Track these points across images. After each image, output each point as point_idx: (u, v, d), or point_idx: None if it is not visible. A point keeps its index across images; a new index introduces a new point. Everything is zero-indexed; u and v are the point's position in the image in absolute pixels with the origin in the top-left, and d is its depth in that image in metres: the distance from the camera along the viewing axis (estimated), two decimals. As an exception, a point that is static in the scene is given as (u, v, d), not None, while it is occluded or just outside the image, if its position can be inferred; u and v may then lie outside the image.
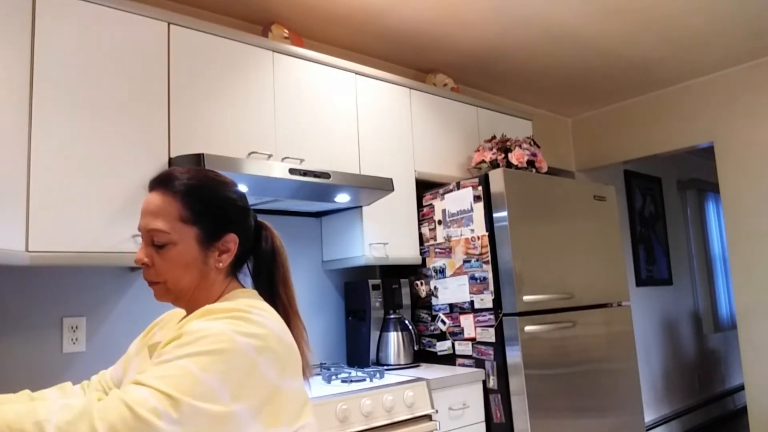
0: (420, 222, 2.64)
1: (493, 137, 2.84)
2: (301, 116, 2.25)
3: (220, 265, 0.97)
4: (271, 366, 0.84)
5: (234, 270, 1.02)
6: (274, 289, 1.02)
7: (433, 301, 2.55)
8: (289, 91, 2.23)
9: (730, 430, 4.79)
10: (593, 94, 3.77)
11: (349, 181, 2.10)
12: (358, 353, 2.51)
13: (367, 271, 2.76)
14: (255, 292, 1.01)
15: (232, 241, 0.98)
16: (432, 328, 2.56)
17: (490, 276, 2.32)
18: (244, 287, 1.02)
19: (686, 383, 4.82)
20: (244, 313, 0.86)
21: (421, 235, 2.63)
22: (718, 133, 3.49)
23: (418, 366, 2.48)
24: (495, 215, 2.34)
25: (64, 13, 1.71)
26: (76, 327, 1.91)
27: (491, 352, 2.30)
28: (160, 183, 0.98)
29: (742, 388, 5.22)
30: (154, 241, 0.95)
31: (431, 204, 2.61)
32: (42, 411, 0.73)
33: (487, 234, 2.35)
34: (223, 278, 0.99)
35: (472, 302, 2.39)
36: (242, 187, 1.91)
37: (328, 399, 1.81)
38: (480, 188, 2.39)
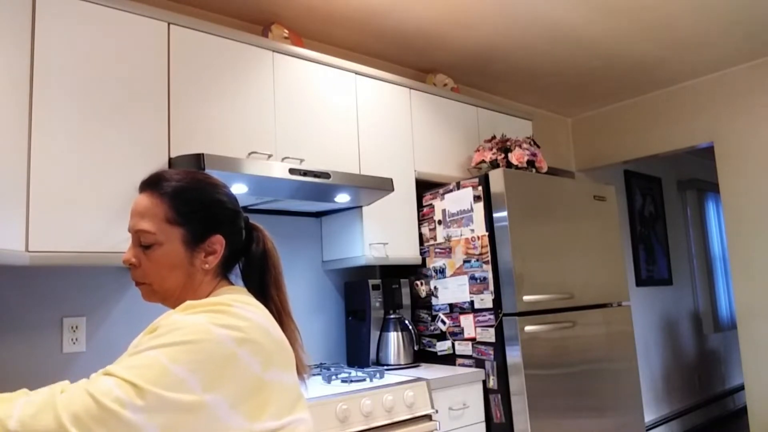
0: (420, 222, 2.64)
1: (493, 137, 2.84)
2: (301, 116, 2.25)
3: (206, 266, 0.98)
4: (254, 358, 0.83)
5: (224, 271, 1.02)
6: (265, 291, 1.02)
7: (433, 301, 2.55)
8: (289, 91, 2.23)
9: (730, 430, 4.79)
10: (593, 94, 3.77)
11: (349, 181, 2.10)
12: (358, 353, 2.51)
13: (367, 271, 2.76)
14: (244, 289, 1.01)
15: (218, 242, 0.98)
16: (432, 328, 2.56)
17: (490, 276, 2.32)
18: (233, 287, 1.02)
19: (686, 383, 4.82)
20: (225, 306, 0.86)
21: (421, 235, 2.63)
22: (718, 133, 3.49)
23: (418, 366, 2.48)
24: (495, 215, 2.34)
25: (64, 13, 1.71)
26: (76, 327, 1.91)
27: (491, 352, 2.30)
28: (149, 184, 0.99)
29: (742, 388, 5.22)
30: (141, 242, 0.96)
31: (431, 204, 2.61)
32: (3, 409, 0.73)
33: (487, 234, 2.35)
34: (210, 279, 0.99)
35: (472, 302, 2.39)
36: (242, 187, 1.91)
37: (328, 399, 1.81)
38: (480, 188, 2.39)
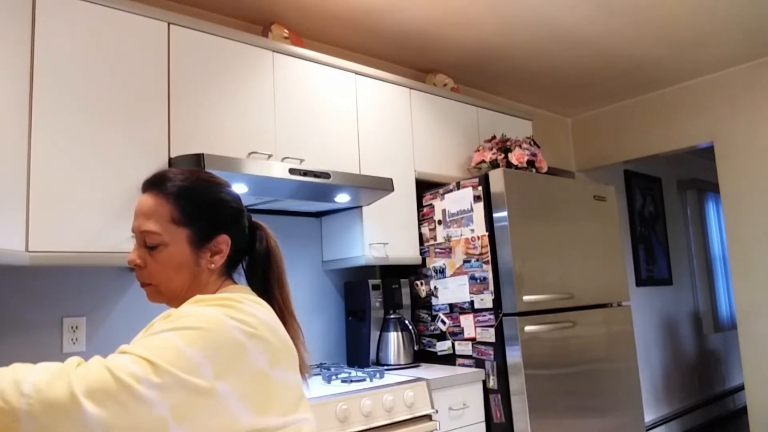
0: (420, 222, 2.64)
1: (493, 137, 2.84)
2: (301, 116, 2.25)
3: (212, 266, 0.98)
4: (261, 353, 0.84)
5: (228, 270, 1.02)
6: (269, 289, 1.03)
7: (433, 301, 2.55)
8: (289, 91, 2.23)
9: (730, 430, 4.79)
10: (593, 94, 3.77)
11: (349, 181, 2.10)
12: (358, 353, 2.51)
13: (367, 271, 2.76)
14: (248, 288, 1.01)
15: (224, 242, 0.98)
16: (432, 328, 2.56)
17: (490, 276, 2.32)
18: (238, 286, 1.03)
19: (686, 383, 4.82)
20: (235, 302, 0.87)
21: (421, 235, 2.63)
22: (718, 133, 3.49)
23: (418, 366, 2.48)
24: (495, 215, 2.34)
25: (64, 13, 1.71)
26: (76, 327, 1.91)
27: (491, 352, 2.30)
28: (153, 184, 0.99)
29: (742, 388, 5.22)
30: (146, 243, 0.96)
31: (431, 204, 2.61)
32: (21, 371, 0.73)
33: (487, 234, 2.35)
34: (216, 279, 0.99)
35: (472, 302, 2.39)
36: (242, 187, 1.91)
37: (328, 399, 1.81)
38: (480, 188, 2.39)
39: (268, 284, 1.03)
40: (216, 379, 0.78)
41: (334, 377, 2.14)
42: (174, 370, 0.75)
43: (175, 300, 0.98)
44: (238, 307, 0.86)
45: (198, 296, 0.89)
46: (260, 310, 0.90)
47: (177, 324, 0.80)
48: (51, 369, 0.74)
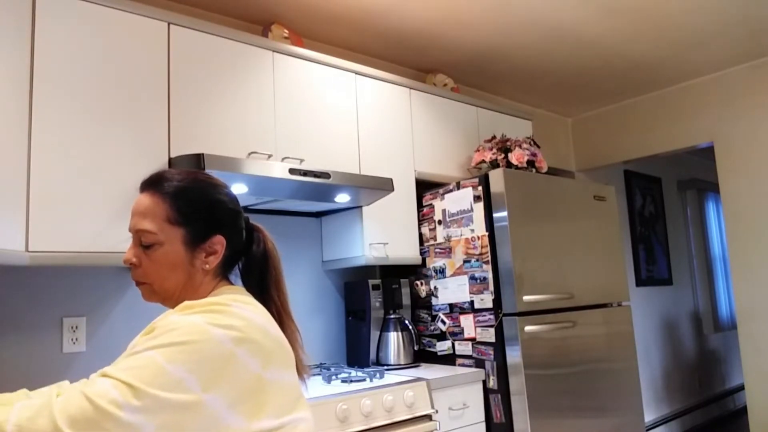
0: (420, 222, 2.64)
1: (493, 137, 2.84)
2: (301, 116, 2.25)
3: (207, 266, 0.98)
4: (253, 357, 0.83)
5: (224, 272, 1.02)
6: (265, 291, 1.03)
7: (433, 301, 2.55)
8: (289, 91, 2.23)
9: (730, 430, 4.79)
10: (593, 94, 3.77)
11: (349, 181, 2.10)
12: (358, 353, 2.51)
13: (367, 271, 2.76)
14: (243, 289, 1.01)
15: (219, 243, 0.98)
16: (432, 328, 2.56)
17: (490, 276, 2.32)
18: (233, 287, 1.02)
19: (686, 383, 4.82)
20: (223, 306, 0.86)
21: (421, 235, 2.63)
22: (718, 133, 3.49)
23: (418, 366, 2.48)
24: (495, 215, 2.34)
25: (64, 13, 1.71)
26: (76, 327, 1.91)
27: (491, 352, 2.30)
28: (151, 184, 0.99)
29: (742, 388, 5.21)
30: (142, 242, 0.97)
31: (431, 204, 2.61)
32: (1, 413, 0.74)
33: (487, 234, 2.35)
34: (210, 279, 0.99)
35: (472, 302, 2.39)
36: (242, 187, 1.91)
37: (328, 399, 1.81)
38: (480, 188, 2.39)
39: (264, 286, 1.03)
40: (204, 391, 0.77)
41: (334, 377, 2.14)
42: (154, 390, 0.74)
43: (170, 300, 0.98)
44: (227, 311, 0.85)
45: (186, 302, 0.88)
46: (251, 311, 0.89)
47: (159, 341, 0.79)
48: (31, 406, 0.74)
